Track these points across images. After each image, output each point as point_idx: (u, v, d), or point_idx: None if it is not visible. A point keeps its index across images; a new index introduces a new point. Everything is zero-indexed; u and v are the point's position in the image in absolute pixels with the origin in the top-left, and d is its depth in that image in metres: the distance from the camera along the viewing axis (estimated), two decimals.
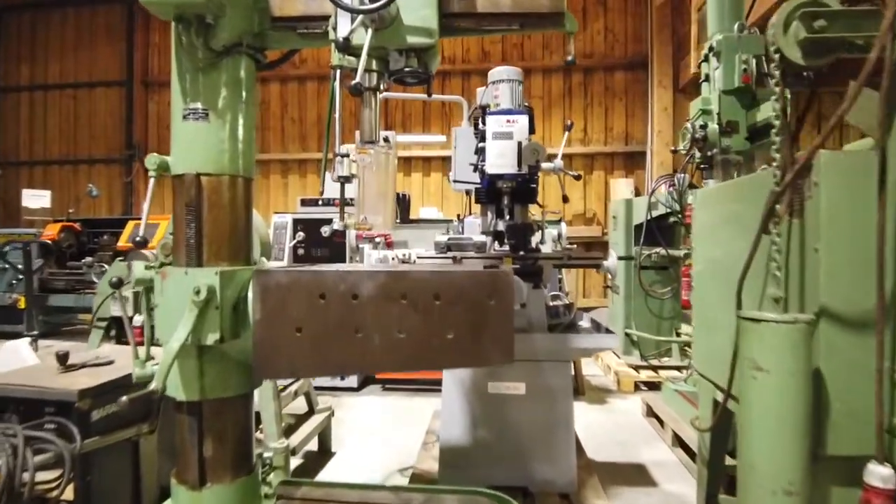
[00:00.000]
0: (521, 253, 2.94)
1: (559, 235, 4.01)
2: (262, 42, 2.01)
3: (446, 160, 10.34)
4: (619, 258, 6.05)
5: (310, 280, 1.73)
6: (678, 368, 5.74)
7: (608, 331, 2.84)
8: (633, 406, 5.03)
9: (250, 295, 1.76)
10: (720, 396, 2.58)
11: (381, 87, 1.93)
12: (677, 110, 9.16)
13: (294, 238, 5.51)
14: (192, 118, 1.90)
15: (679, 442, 3.94)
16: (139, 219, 4.99)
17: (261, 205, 10.61)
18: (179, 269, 1.81)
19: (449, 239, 3.10)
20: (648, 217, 5.15)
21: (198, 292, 1.71)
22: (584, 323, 3.38)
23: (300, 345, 1.73)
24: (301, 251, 5.54)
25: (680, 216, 4.92)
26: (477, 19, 2.00)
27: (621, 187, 9.36)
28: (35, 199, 9.29)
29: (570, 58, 2.05)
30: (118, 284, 1.92)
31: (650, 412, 4.64)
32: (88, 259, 7.58)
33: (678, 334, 6.04)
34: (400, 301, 1.71)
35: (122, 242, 7.36)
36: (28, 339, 5.53)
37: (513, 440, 2.80)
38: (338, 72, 1.86)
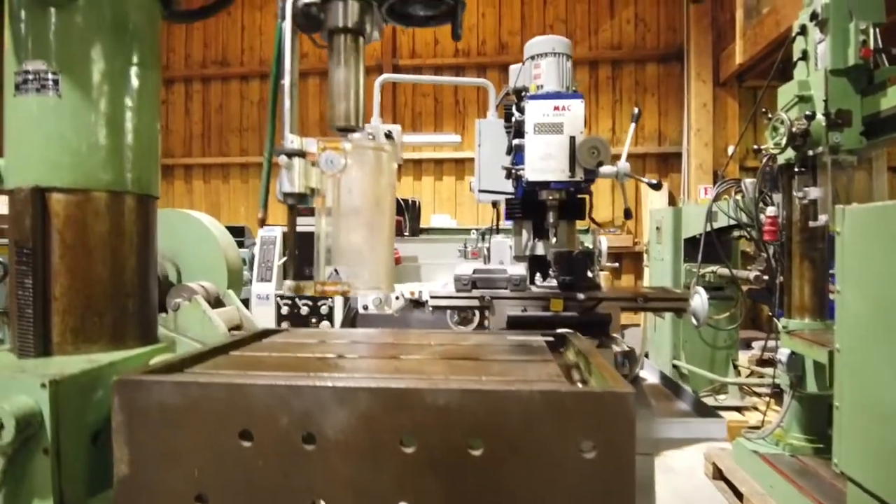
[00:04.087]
0: (581, 296, 2.07)
1: (598, 252, 3.15)
2: None
3: (459, 162, 9.45)
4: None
5: (223, 399, 0.88)
6: (738, 409, 4.84)
7: (709, 411, 1.94)
8: (692, 461, 4.13)
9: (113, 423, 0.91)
10: None
11: (369, 29, 1.07)
12: (718, 107, 8.23)
13: (284, 255, 4.67)
14: (33, 88, 1.06)
15: None
16: None
17: (254, 218, 9.79)
18: None
19: (474, 272, 2.24)
20: (709, 229, 4.25)
21: None
22: (650, 376, 2.52)
23: None
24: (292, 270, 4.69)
25: (750, 230, 4.02)
26: None
27: (654, 192, 8.44)
28: (3, 204, 8.54)
29: None
30: None
31: (718, 473, 3.75)
32: None
33: (735, 367, 5.14)
34: (401, 449, 0.85)
35: None
36: None
37: None
38: (287, 2, 1.01)
